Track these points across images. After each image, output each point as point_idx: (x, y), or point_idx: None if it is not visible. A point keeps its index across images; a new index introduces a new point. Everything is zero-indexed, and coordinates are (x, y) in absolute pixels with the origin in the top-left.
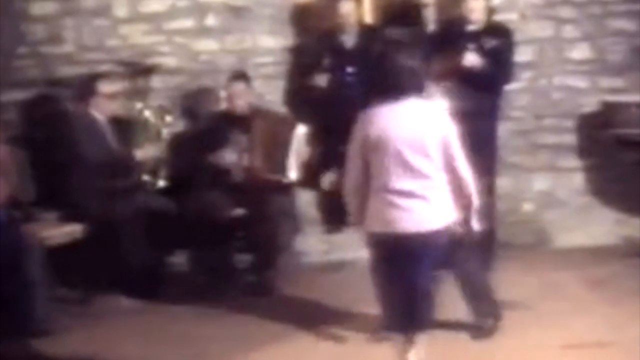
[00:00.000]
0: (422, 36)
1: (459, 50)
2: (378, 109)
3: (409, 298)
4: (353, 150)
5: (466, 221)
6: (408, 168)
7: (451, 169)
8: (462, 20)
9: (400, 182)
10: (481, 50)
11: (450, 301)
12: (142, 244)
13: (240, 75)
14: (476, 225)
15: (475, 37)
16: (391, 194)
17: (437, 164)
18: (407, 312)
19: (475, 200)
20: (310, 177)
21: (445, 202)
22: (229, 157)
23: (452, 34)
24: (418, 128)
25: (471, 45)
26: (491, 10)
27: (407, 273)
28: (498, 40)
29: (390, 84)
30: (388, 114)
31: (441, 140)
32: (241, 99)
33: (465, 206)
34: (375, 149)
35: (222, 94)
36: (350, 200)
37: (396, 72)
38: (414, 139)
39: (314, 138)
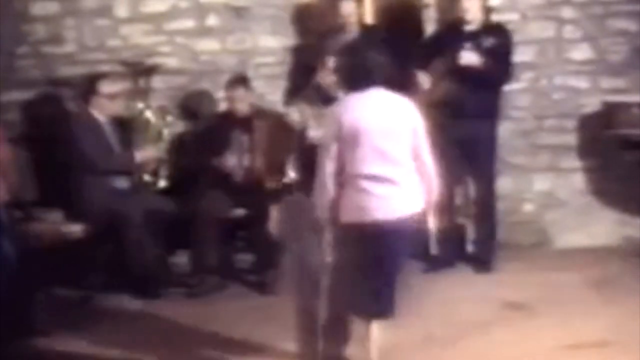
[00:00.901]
0: (422, 37)
1: (457, 50)
2: (349, 98)
3: (382, 284)
4: (327, 140)
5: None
6: (382, 155)
7: (418, 159)
8: (460, 21)
9: (375, 168)
10: (479, 50)
11: (450, 300)
12: (143, 244)
13: (240, 79)
14: (433, 221)
15: (473, 37)
16: (366, 181)
17: (407, 152)
18: (379, 298)
19: (435, 195)
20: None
21: (416, 188)
22: (230, 158)
23: (451, 35)
24: (390, 116)
25: (468, 45)
26: (489, 10)
27: (383, 259)
28: (496, 39)
29: (359, 75)
30: (360, 102)
31: (411, 129)
32: (241, 103)
33: (426, 200)
34: (349, 137)
35: (222, 94)
36: (324, 192)
37: (365, 64)
38: (387, 126)
39: None
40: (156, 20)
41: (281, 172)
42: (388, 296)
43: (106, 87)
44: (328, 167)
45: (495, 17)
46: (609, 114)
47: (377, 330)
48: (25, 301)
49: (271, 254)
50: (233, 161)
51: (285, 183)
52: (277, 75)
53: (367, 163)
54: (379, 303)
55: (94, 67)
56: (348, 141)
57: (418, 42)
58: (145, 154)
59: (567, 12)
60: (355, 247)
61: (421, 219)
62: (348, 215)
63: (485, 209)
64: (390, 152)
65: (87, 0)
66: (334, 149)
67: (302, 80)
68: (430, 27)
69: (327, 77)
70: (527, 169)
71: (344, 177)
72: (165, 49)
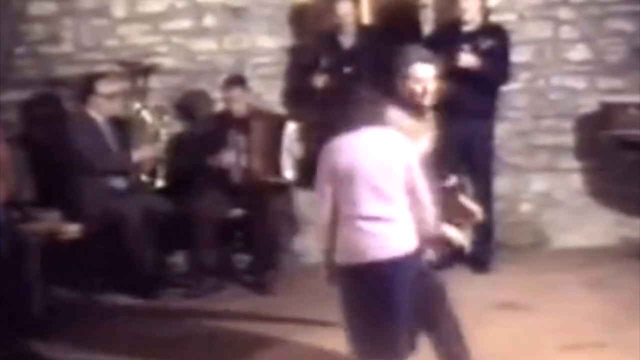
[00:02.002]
0: (419, 37)
1: (455, 52)
2: (342, 138)
3: (395, 325)
4: (322, 182)
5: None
6: (378, 193)
7: (413, 195)
8: (458, 22)
9: (370, 208)
10: (477, 51)
11: None
12: (141, 244)
13: (236, 80)
14: (430, 255)
15: (471, 37)
16: (362, 221)
17: (401, 188)
18: (393, 340)
19: (432, 230)
20: (305, 173)
21: (410, 225)
22: (227, 158)
23: (449, 35)
24: (383, 153)
25: (466, 46)
26: (487, 11)
27: (386, 300)
28: (494, 40)
29: (350, 115)
30: (353, 142)
31: (404, 165)
32: (238, 103)
33: (422, 235)
34: (344, 177)
35: (219, 95)
36: (325, 234)
37: (355, 104)
38: (381, 164)
39: (309, 135)
40: (153, 20)
41: (278, 172)
42: (403, 338)
43: (104, 87)
44: (325, 208)
45: (492, 18)
46: (607, 114)
47: None
48: (23, 301)
49: (270, 254)
50: (230, 160)
51: (282, 183)
52: (274, 76)
53: (362, 203)
54: (395, 347)
55: (91, 67)
56: (343, 181)
57: (416, 42)
58: (143, 153)
59: (565, 13)
60: (359, 290)
61: (417, 254)
62: (346, 257)
63: (483, 209)
64: (385, 190)
65: (85, 0)
66: (329, 191)
67: (299, 81)
68: (428, 27)
69: (320, 79)
70: (524, 169)
71: (340, 218)
72: (163, 49)
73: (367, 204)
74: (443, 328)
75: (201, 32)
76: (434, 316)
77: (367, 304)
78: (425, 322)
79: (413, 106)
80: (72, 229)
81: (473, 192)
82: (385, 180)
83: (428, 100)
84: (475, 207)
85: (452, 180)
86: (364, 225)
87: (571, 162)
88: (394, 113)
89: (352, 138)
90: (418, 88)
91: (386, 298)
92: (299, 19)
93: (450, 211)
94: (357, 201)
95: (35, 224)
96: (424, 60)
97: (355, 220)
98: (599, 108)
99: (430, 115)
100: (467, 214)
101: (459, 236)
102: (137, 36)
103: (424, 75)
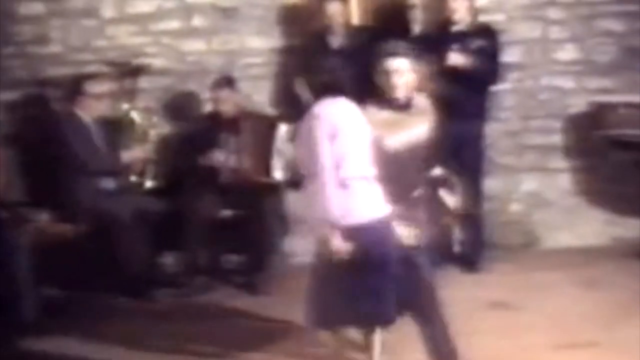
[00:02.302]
0: (409, 37)
1: (444, 52)
2: (329, 103)
3: (387, 286)
4: (323, 141)
5: None
6: (365, 156)
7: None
8: (448, 22)
9: (363, 169)
10: (466, 51)
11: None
12: (133, 244)
13: (224, 82)
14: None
15: (461, 37)
16: (350, 180)
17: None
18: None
19: None
20: (296, 174)
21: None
22: (217, 158)
23: (438, 35)
24: (360, 121)
25: (455, 46)
26: (476, 11)
27: (387, 258)
28: (484, 40)
29: (331, 85)
30: (340, 107)
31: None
32: (226, 104)
33: None
34: (341, 138)
35: (208, 95)
36: (331, 191)
37: (335, 75)
38: (361, 130)
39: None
40: (142, 20)
41: (268, 172)
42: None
43: (93, 87)
44: (328, 167)
45: (481, 18)
46: (596, 114)
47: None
48: (15, 302)
49: (261, 255)
50: (220, 160)
51: (272, 183)
52: (264, 76)
53: (355, 163)
54: (387, 308)
55: (80, 68)
56: (340, 142)
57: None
58: (132, 154)
59: (554, 13)
60: (356, 250)
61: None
62: (348, 217)
63: (473, 209)
64: (368, 155)
65: (73, 0)
66: (329, 149)
67: (289, 82)
68: (417, 27)
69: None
70: (514, 169)
71: (337, 179)
72: (152, 49)
73: (359, 165)
74: (436, 326)
75: (190, 32)
76: (427, 312)
77: (363, 263)
78: (418, 314)
79: (389, 99)
80: (63, 229)
81: (463, 191)
82: (365, 145)
83: (402, 93)
84: (451, 201)
85: (437, 171)
86: (352, 183)
87: (561, 162)
88: (370, 107)
89: (336, 104)
90: (391, 81)
91: (372, 257)
92: (288, 19)
93: (430, 205)
94: (351, 162)
95: (25, 224)
96: (397, 53)
97: (345, 179)
98: (589, 108)
99: (419, 109)
100: (445, 210)
101: (408, 235)
102: (126, 37)
103: (396, 68)
